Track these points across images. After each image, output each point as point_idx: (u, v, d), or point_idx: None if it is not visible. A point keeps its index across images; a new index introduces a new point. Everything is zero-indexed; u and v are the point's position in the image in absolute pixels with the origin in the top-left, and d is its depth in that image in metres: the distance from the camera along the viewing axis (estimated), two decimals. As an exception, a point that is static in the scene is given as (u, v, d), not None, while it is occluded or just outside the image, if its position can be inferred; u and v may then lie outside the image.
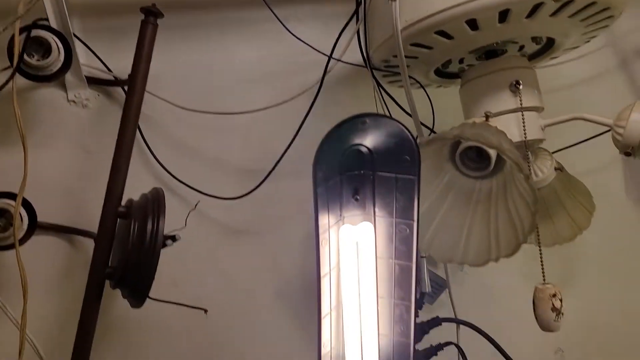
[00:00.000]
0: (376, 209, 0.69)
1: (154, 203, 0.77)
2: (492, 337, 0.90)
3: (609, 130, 0.77)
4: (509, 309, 1.22)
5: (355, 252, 0.64)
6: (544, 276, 0.87)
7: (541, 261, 0.88)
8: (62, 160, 0.94)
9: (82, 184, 0.92)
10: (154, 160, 0.92)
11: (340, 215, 0.64)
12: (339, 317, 0.73)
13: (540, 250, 0.87)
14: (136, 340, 0.93)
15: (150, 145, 0.93)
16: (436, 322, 1.00)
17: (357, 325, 0.73)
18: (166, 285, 1.01)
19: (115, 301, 0.91)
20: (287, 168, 0.92)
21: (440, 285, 1.10)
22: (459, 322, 1.05)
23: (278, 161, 0.89)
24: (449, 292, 1.10)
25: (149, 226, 0.75)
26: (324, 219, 0.60)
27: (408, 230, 0.68)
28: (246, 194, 0.91)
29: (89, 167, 0.99)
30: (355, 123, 0.57)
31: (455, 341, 1.06)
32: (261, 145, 0.94)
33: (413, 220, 0.67)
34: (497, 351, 0.90)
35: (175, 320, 0.94)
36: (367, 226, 0.63)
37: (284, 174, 0.93)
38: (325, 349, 0.72)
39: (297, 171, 0.91)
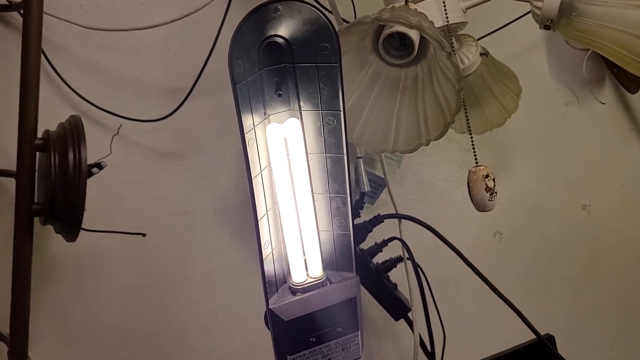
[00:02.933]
0: (301, 103, 0.68)
1: (73, 130, 0.73)
2: (434, 228, 0.91)
3: (529, 12, 0.76)
4: (448, 201, 1.24)
5: (284, 149, 0.63)
6: (476, 160, 0.89)
7: (472, 145, 0.89)
8: (-35, 100, 0.85)
9: (-7, 123, 0.84)
10: (67, 88, 0.85)
11: (265, 113, 0.62)
12: (277, 217, 0.73)
13: (471, 135, 0.88)
14: (76, 276, 0.90)
15: (60, 72, 0.86)
16: (378, 219, 1.02)
17: (295, 224, 0.72)
18: (101, 216, 0.96)
19: (48, 239, 0.87)
20: (211, 83, 0.88)
21: (379, 184, 1.11)
22: (400, 217, 1.07)
23: (198, 77, 0.85)
24: (389, 190, 1.11)
25: (71, 155, 0.71)
26: (248, 119, 0.58)
27: (336, 121, 0.67)
28: (169, 115, 0.86)
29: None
30: (267, 11, 0.54)
31: (398, 235, 1.08)
32: (180, 61, 0.89)
33: (340, 110, 0.66)
34: (439, 241, 0.91)
35: (115, 251, 0.90)
36: (294, 122, 0.62)
37: (207, 91, 0.89)
38: (266, 251, 0.71)
39: (221, 86, 0.88)
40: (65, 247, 0.78)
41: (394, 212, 1.08)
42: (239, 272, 0.95)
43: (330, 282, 0.68)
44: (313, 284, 0.71)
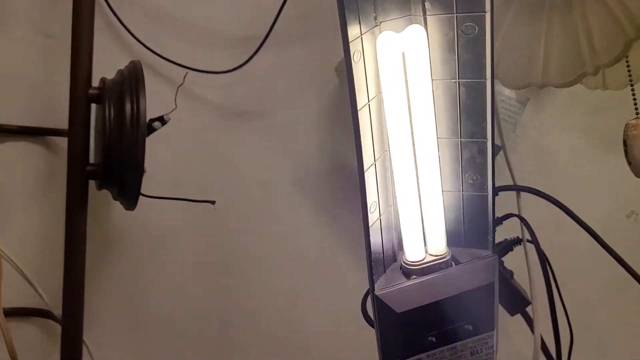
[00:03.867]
0: (427, 4, 0.49)
1: (132, 77, 0.64)
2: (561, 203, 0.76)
3: None
4: (572, 173, 1.04)
5: (401, 71, 0.45)
6: (637, 110, 0.69)
7: (632, 91, 0.69)
8: (18, 50, 0.78)
9: (48, 75, 0.73)
10: (127, 33, 0.71)
11: (376, 18, 0.44)
12: (386, 170, 0.55)
13: (630, 77, 0.68)
14: (139, 252, 0.82)
15: (119, 15, 0.72)
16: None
17: (412, 180, 0.55)
18: (166, 185, 0.84)
19: (109, 208, 0.74)
20: (289, 30, 0.77)
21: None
22: (520, 189, 0.88)
23: (273, 23, 0.69)
24: (505, 156, 0.91)
25: (128, 106, 0.62)
26: (355, 28, 0.41)
27: (477, 28, 0.48)
28: (240, 66, 0.77)
29: (53, 54, 0.79)
30: None
31: (516, 212, 0.88)
32: (253, 5, 0.78)
33: (485, 11, 0.48)
34: (561, 222, 0.75)
35: (183, 225, 0.83)
36: (417, 30, 0.44)
37: (285, 39, 0.78)
38: (373, 216, 0.54)
39: (301, 33, 0.72)
40: (127, 217, 0.73)
41: (511, 183, 0.88)
42: (322, 250, 0.79)
43: (457, 263, 0.49)
44: (434, 264, 0.55)
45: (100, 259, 0.77)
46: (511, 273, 0.88)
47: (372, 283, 0.55)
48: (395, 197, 0.54)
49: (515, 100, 1.03)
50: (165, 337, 0.82)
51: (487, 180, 0.54)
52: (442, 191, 0.55)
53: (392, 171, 0.53)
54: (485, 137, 0.52)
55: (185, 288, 0.82)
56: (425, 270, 0.52)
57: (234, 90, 0.82)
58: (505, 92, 1.04)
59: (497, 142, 0.84)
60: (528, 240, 0.77)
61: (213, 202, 0.78)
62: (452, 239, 0.54)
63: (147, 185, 0.62)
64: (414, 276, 0.52)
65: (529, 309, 0.82)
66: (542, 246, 0.79)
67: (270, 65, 0.80)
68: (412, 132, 0.52)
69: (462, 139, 0.53)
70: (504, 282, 0.85)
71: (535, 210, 0.78)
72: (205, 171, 0.91)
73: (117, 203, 0.64)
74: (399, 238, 0.57)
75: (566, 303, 0.84)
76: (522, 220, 0.77)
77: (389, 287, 0.51)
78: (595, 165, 1.06)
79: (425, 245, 0.52)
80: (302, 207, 0.90)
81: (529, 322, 0.81)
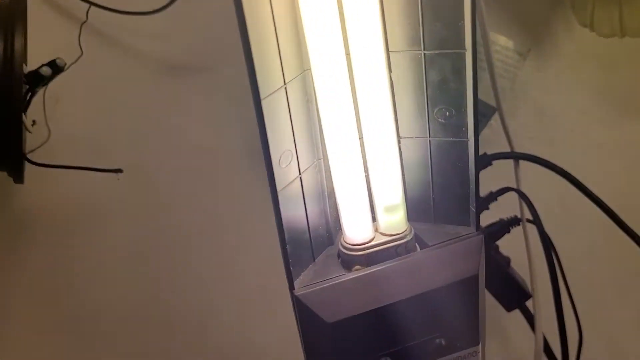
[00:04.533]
0: None
1: (10, 12, 0.51)
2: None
3: None
4: (581, 141, 0.85)
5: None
6: None
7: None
8: None
9: None
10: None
11: None
12: (307, 99, 0.36)
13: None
14: (54, 237, 0.68)
15: None
16: (484, 160, 0.63)
17: (348, 119, 0.35)
18: (85, 153, 0.68)
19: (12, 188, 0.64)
20: None
21: (484, 114, 0.73)
22: (518, 156, 0.69)
23: None
24: (501, 118, 0.72)
25: (1, 45, 0.49)
26: None
27: None
28: (167, 5, 0.61)
29: None
30: None
31: (514, 186, 0.70)
32: None
33: None
34: (570, 196, 0.60)
35: (113, 207, 0.68)
36: None
37: None
38: (286, 174, 0.35)
39: None
40: (37, 197, 0.61)
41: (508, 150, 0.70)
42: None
43: (424, 246, 0.30)
44: (388, 248, 0.38)
45: (6, 248, 0.65)
46: (508, 260, 0.71)
47: (290, 277, 0.35)
48: (325, 144, 0.35)
49: (513, 51, 0.84)
50: (90, 338, 0.69)
51: (466, 117, 0.34)
52: (399, 137, 0.35)
53: (317, 103, 0.34)
54: (462, 46, 0.32)
55: (115, 280, 0.69)
56: (374, 257, 0.35)
57: (169, 38, 0.68)
58: (501, 41, 0.84)
59: (491, 102, 0.66)
60: (529, 220, 0.62)
61: (118, 171, 0.62)
62: (416, 211, 0.40)
63: (58, 153, 0.54)
64: (356, 266, 0.34)
65: (529, 304, 0.68)
66: (546, 227, 0.65)
67: (214, 7, 0.65)
68: (346, 41, 0.33)
69: (427, 51, 0.34)
70: (500, 271, 0.68)
71: (537, 183, 0.64)
72: (134, 137, 0.72)
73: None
74: (334, 210, 0.38)
75: (574, 296, 0.70)
76: (522, 195, 0.62)
77: (317, 283, 0.32)
78: (609, 131, 0.88)
79: (374, 221, 0.33)
80: (256, 181, 0.71)
81: (530, 318, 0.68)
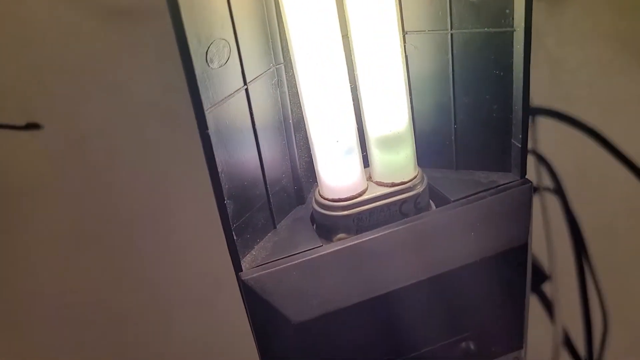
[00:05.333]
0: None
1: None
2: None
3: None
4: (601, 95, 0.74)
5: None
6: None
7: None
8: None
9: None
10: None
11: None
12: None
13: None
14: None
15: None
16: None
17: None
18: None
19: None
20: None
21: None
22: (534, 111, 0.59)
23: None
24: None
25: None
26: None
27: None
28: None
29: None
30: None
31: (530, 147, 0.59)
32: None
33: None
34: (595, 161, 0.53)
35: (42, 176, 0.55)
36: None
37: None
38: (215, 68, 0.21)
39: None
40: None
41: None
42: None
43: (443, 202, 0.16)
44: (388, 203, 0.25)
45: None
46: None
47: (234, 253, 0.22)
48: (290, 43, 0.21)
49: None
50: (34, 338, 0.56)
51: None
52: (404, 32, 0.22)
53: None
54: None
55: (53, 269, 0.55)
56: (368, 219, 0.22)
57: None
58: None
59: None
60: (547, 189, 0.50)
61: (34, 127, 0.49)
62: (430, 151, 0.28)
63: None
64: (340, 235, 0.19)
65: (546, 287, 0.53)
66: (569, 198, 0.57)
67: None
68: None
69: None
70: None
71: (556, 147, 0.55)
72: (69, 94, 0.58)
73: None
74: (304, 148, 0.24)
75: (600, 280, 0.60)
76: (540, 159, 0.49)
77: (278, 262, 0.19)
78: (634, 85, 0.76)
79: (366, 165, 0.19)
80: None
81: (548, 305, 0.58)
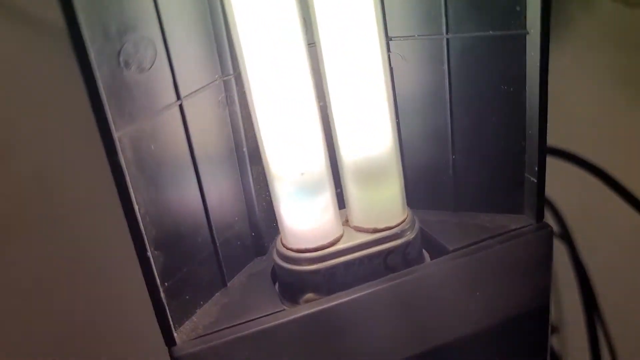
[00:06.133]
0: None
1: None
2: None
3: None
4: (601, 133, 0.70)
5: None
6: None
7: None
8: None
9: None
10: None
11: None
12: None
13: None
14: None
15: None
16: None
17: None
18: None
19: None
20: None
21: None
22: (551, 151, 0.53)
23: None
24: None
25: None
26: None
27: None
28: None
29: None
30: None
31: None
32: None
33: None
34: (597, 195, 0.48)
35: None
36: None
37: None
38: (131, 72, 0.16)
39: None
40: None
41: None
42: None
43: (439, 252, 0.16)
44: (369, 254, 0.19)
45: None
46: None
47: (165, 322, 0.16)
48: (241, 47, 0.16)
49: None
50: None
51: None
52: (387, 38, 0.17)
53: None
54: None
55: None
56: (343, 275, 0.16)
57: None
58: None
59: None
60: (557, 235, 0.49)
61: None
62: (422, 188, 0.23)
63: None
64: (309, 295, 0.13)
65: (553, 340, 0.54)
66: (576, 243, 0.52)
67: None
68: None
69: None
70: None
71: (560, 187, 0.49)
72: None
73: None
74: (261, 181, 0.19)
75: (611, 331, 0.54)
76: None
77: (225, 332, 0.12)
78: (637, 123, 0.73)
79: (342, 206, 0.13)
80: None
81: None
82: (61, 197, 0.41)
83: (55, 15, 0.15)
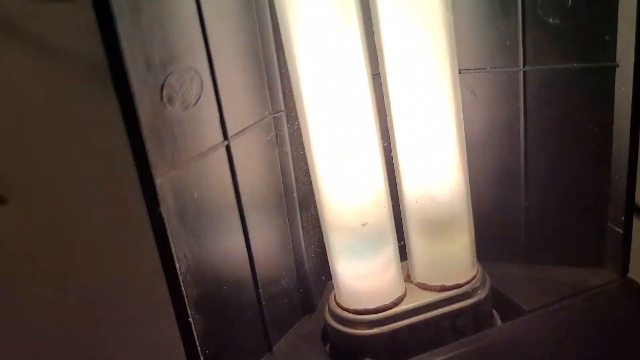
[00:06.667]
0: None
1: None
2: None
3: None
4: None
5: None
6: None
7: None
8: None
9: None
10: None
11: None
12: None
13: None
14: None
15: None
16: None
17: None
18: None
19: None
20: None
21: None
22: None
23: None
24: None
25: None
26: None
27: None
28: None
29: None
30: None
31: None
32: None
33: None
34: None
35: None
36: None
37: None
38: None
39: None
40: None
41: None
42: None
43: (513, 312, 0.16)
44: (435, 317, 0.17)
45: None
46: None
47: None
48: (299, 82, 0.14)
49: None
50: None
51: (610, 12, 0.14)
52: (456, 70, 0.15)
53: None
54: None
55: None
56: (406, 338, 0.13)
57: None
58: None
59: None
60: None
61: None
62: (492, 241, 0.19)
63: None
64: None
65: None
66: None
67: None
68: None
69: None
70: None
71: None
72: None
73: None
74: (313, 232, 0.16)
75: None
76: None
77: None
78: None
79: (404, 258, 0.11)
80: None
81: None
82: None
83: (86, 44, 0.13)
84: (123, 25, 0.12)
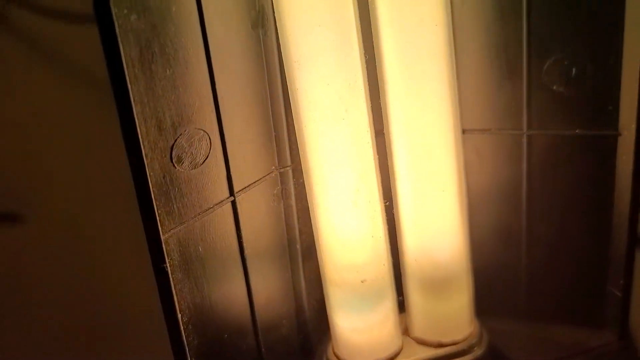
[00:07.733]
0: None
1: None
2: None
3: None
4: None
5: None
6: None
7: None
8: None
9: None
10: None
11: None
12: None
13: None
14: None
15: None
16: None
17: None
18: None
19: None
20: None
21: None
22: None
23: None
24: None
25: None
26: None
27: None
28: None
29: None
30: None
31: None
32: None
33: None
34: None
35: None
36: None
37: None
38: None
39: None
40: None
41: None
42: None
43: None
44: None
45: None
46: None
47: None
48: (304, 137, 0.14)
49: None
50: None
51: (614, 78, 0.14)
52: (459, 130, 0.15)
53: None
54: None
55: None
56: None
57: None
58: None
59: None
60: None
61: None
62: (491, 297, 0.19)
63: None
64: None
65: None
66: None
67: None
68: None
69: None
70: None
71: None
72: None
73: None
74: (313, 284, 0.17)
75: None
76: None
77: None
78: None
79: (401, 311, 0.11)
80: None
81: None
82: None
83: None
84: (137, 92, 0.12)
